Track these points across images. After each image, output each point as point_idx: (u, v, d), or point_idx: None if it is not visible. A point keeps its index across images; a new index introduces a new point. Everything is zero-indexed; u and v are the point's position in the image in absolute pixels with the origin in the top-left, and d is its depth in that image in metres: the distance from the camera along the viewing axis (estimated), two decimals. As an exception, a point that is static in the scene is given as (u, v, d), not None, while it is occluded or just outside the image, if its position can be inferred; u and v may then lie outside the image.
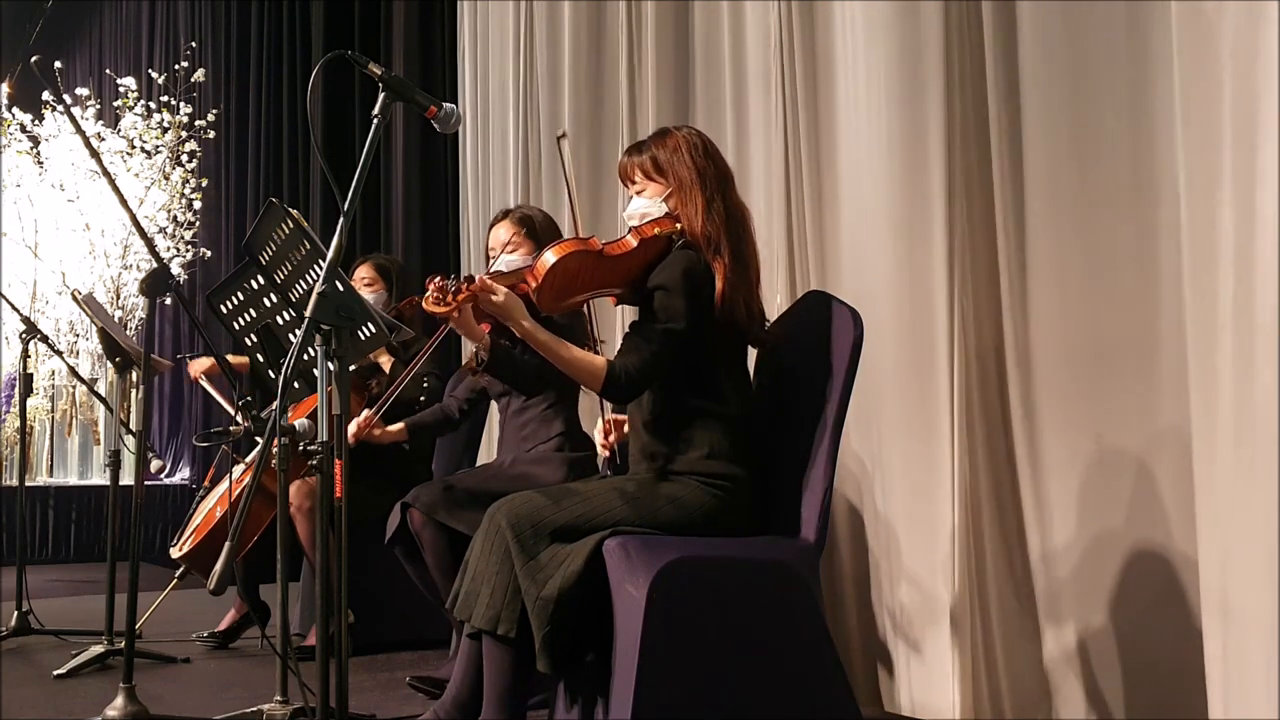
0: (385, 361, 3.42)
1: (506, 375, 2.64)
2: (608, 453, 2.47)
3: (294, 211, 2.39)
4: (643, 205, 2.29)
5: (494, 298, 2.16)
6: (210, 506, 3.48)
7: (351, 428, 2.98)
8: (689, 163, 2.26)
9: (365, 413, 3.07)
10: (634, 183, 2.32)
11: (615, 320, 3.45)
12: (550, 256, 2.16)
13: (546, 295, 2.18)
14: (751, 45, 3.25)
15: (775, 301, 2.98)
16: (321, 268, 2.04)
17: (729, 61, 3.34)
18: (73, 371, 4.54)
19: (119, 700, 2.46)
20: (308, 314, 1.96)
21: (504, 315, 2.18)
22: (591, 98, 4.02)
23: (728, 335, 2.23)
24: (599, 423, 2.48)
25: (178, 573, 3.37)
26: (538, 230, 2.93)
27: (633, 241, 2.22)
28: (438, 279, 2.16)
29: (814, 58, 3.03)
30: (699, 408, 2.22)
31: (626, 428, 2.41)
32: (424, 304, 2.16)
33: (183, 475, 7.61)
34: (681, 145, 2.28)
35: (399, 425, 3.16)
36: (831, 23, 2.98)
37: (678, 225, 2.25)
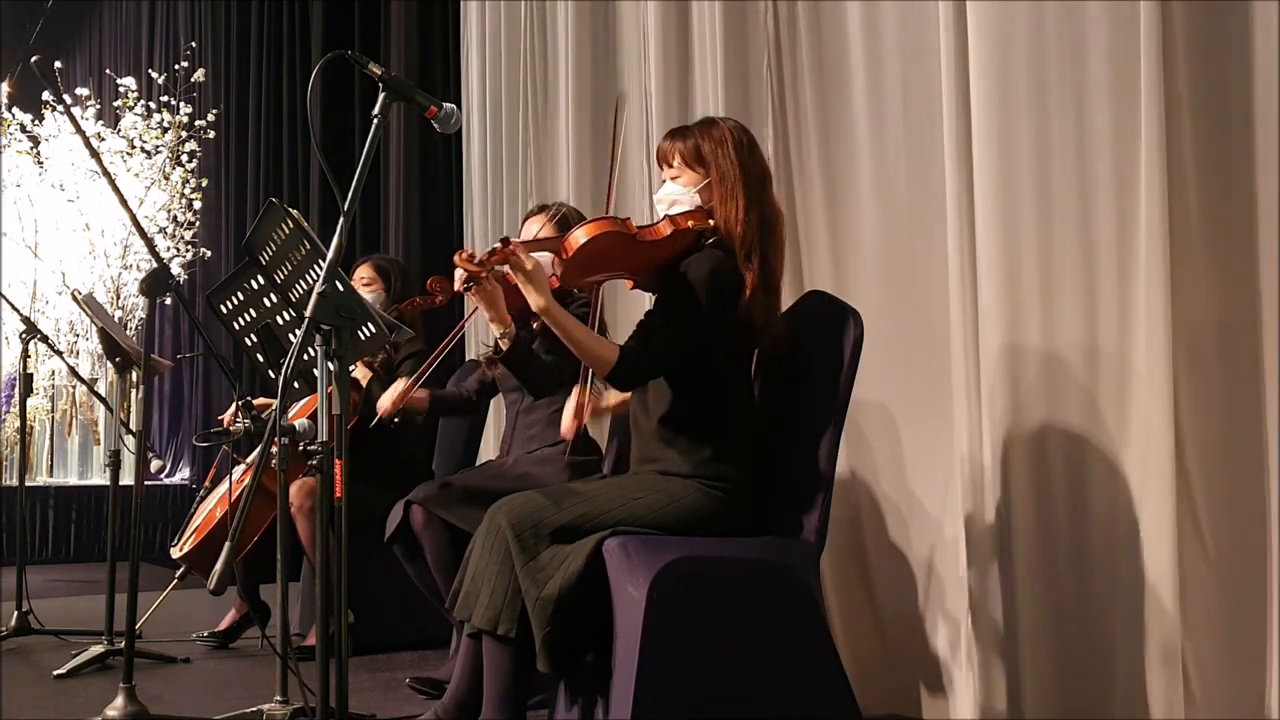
0: (363, 375, 3.34)
1: (521, 370, 2.52)
2: (572, 436, 2.46)
3: (294, 211, 2.39)
4: (674, 192, 2.26)
5: (525, 264, 2.11)
6: (211, 507, 3.48)
7: (385, 401, 2.92)
8: (734, 159, 2.21)
9: (403, 383, 2.94)
10: (670, 166, 2.28)
11: (616, 314, 3.44)
12: (582, 235, 2.14)
13: (570, 270, 2.17)
14: (753, 44, 3.24)
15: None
16: (321, 268, 2.04)
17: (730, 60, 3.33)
18: (73, 371, 4.54)
19: (119, 700, 2.45)
20: (308, 314, 1.96)
21: (529, 283, 2.11)
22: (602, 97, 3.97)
23: (741, 340, 2.23)
24: (570, 402, 2.45)
25: (178, 573, 3.37)
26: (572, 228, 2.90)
27: (666, 230, 2.18)
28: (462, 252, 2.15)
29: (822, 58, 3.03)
30: (702, 408, 2.22)
31: (600, 408, 2.42)
32: (455, 260, 2.13)
33: (183, 475, 7.60)
34: (727, 138, 2.23)
35: (424, 392, 3.02)
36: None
37: (711, 222, 2.21)
